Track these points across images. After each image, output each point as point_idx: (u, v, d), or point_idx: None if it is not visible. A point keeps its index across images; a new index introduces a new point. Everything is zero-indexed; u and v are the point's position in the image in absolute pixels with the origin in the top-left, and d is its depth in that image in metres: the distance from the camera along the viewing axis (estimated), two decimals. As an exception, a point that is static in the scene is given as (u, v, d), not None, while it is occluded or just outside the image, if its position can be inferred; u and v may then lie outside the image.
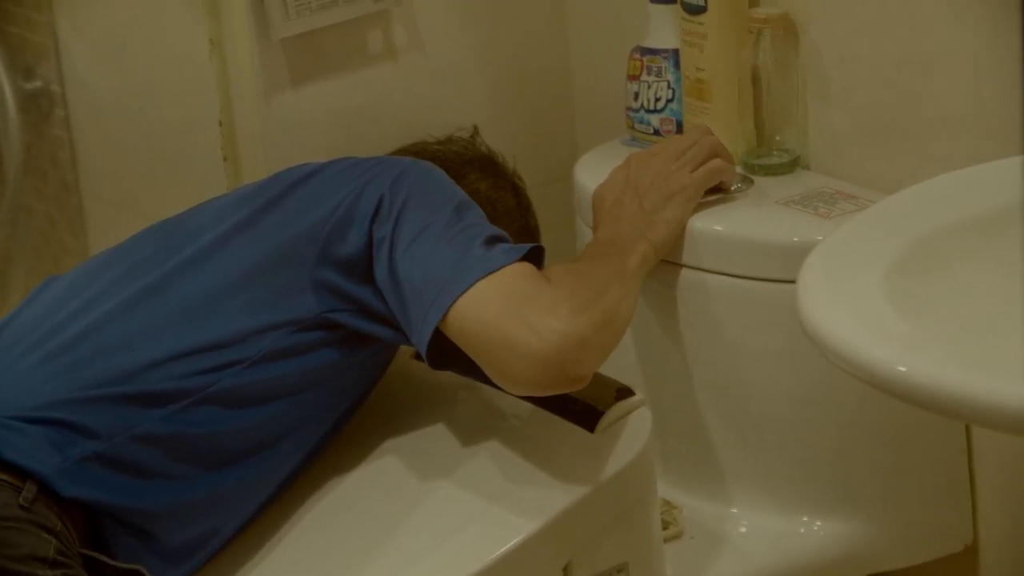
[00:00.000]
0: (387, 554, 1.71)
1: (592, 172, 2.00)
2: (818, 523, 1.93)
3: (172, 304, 1.72)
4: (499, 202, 1.99)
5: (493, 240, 1.71)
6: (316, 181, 1.80)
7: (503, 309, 1.64)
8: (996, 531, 1.97)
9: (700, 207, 1.91)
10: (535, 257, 1.71)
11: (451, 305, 1.66)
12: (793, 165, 1.99)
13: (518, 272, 1.67)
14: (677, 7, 2.01)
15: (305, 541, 1.75)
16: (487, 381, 1.71)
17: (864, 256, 1.55)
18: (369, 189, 1.75)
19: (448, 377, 1.81)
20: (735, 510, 1.96)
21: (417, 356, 1.75)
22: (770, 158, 1.99)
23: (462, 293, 1.66)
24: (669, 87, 2.05)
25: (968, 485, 1.96)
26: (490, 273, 1.67)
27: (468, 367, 1.70)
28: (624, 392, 1.80)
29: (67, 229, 2.36)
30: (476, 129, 2.12)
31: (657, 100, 2.06)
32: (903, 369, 1.31)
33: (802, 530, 1.93)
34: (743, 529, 1.94)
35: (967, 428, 1.92)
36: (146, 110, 2.23)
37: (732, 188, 1.94)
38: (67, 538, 1.57)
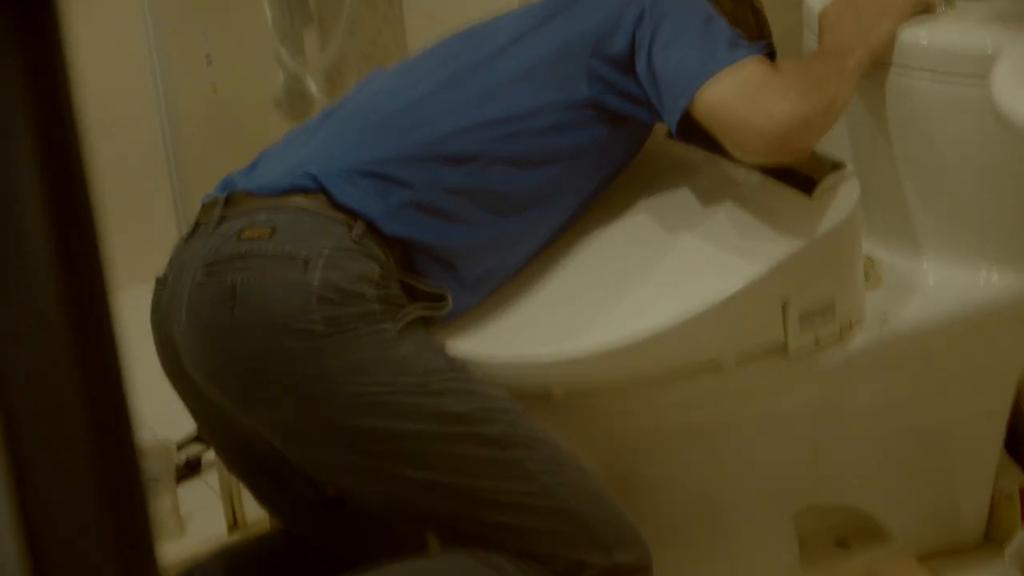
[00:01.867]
0: (634, 289, 1.84)
1: (819, -5, 2.06)
2: (996, 275, 2.01)
3: (473, 88, 1.87)
4: (739, 15, 2.04)
5: (735, 42, 1.84)
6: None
7: (741, 94, 1.78)
8: None
9: (908, 22, 1.98)
10: (769, 55, 1.85)
11: (697, 90, 1.79)
12: (993, -7, 2.01)
13: (754, 63, 1.81)
14: None
15: (571, 276, 1.88)
16: (724, 153, 1.85)
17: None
18: (633, 5, 1.89)
19: (692, 154, 1.94)
20: (925, 265, 2.05)
21: (669, 134, 1.90)
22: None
23: (707, 79, 1.79)
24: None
25: None
26: (731, 65, 1.80)
27: (708, 141, 1.84)
28: (837, 165, 1.90)
29: (392, 38, 2.41)
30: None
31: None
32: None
33: (982, 282, 2.01)
34: (932, 281, 2.03)
35: None
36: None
37: (938, 10, 2.01)
38: (388, 266, 1.75)
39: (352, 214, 1.76)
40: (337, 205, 1.76)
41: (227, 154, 2.13)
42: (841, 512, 2.08)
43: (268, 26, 2.60)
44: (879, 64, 2.00)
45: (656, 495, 1.94)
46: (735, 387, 1.88)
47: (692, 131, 1.85)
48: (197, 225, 1.82)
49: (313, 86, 2.58)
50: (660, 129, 1.99)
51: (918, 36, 1.99)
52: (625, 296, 1.85)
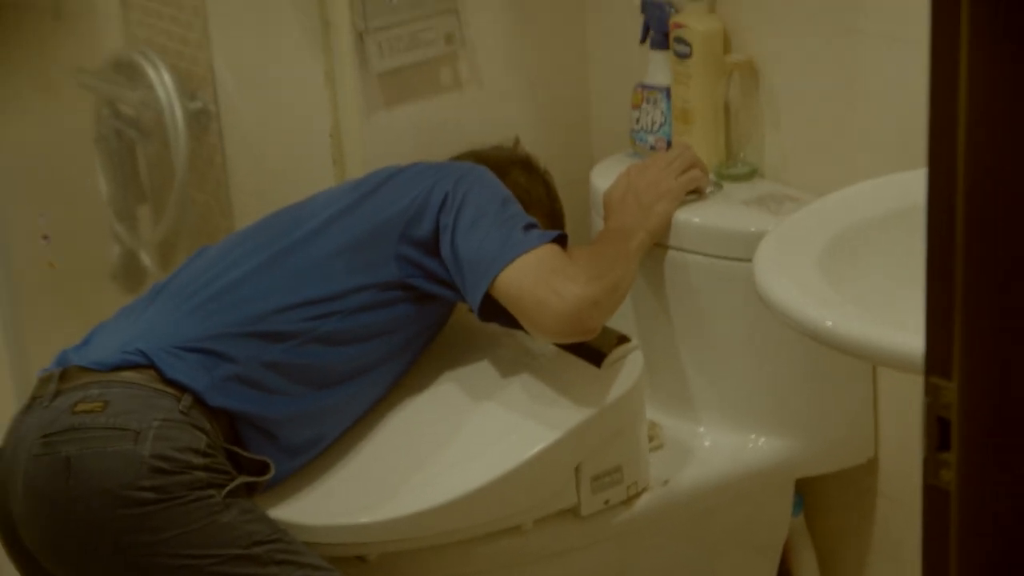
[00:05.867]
0: (442, 455, 1.81)
1: (603, 177, 2.06)
2: (763, 440, 1.99)
3: (291, 268, 1.83)
4: (533, 192, 2.04)
5: (530, 227, 1.82)
6: (398, 180, 1.90)
7: (537, 278, 1.75)
8: (893, 447, 2.02)
9: (683, 205, 1.96)
10: (561, 240, 1.83)
11: (497, 275, 1.76)
12: (752, 174, 2.03)
13: (548, 250, 1.79)
14: (670, 53, 2.04)
15: (384, 445, 1.84)
16: (522, 329, 1.81)
17: (803, 241, 1.62)
18: (437, 188, 1.85)
19: (494, 327, 1.88)
20: (702, 429, 2.02)
21: (471, 311, 1.85)
22: (735, 169, 2.04)
23: (506, 266, 1.76)
24: (662, 114, 2.08)
25: (872, 411, 2.01)
26: (527, 251, 1.77)
27: (509, 320, 1.81)
28: (623, 339, 1.88)
29: (220, 213, 2.40)
30: (517, 139, 2.17)
31: (653, 124, 2.09)
32: (830, 324, 1.43)
33: (750, 445, 1.99)
34: (707, 443, 2.00)
35: (873, 368, 1.99)
36: (277, 124, 2.28)
37: (707, 191, 2.00)
38: (214, 436, 1.70)
39: (180, 387, 1.72)
40: (166, 379, 1.72)
41: (65, 327, 2.06)
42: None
43: (103, 202, 2.55)
44: (659, 245, 1.98)
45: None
46: (534, 548, 1.84)
47: (494, 310, 1.81)
48: (33, 399, 1.76)
49: (147, 260, 2.54)
50: (463, 305, 1.93)
51: (691, 219, 1.97)
52: (435, 461, 1.81)
